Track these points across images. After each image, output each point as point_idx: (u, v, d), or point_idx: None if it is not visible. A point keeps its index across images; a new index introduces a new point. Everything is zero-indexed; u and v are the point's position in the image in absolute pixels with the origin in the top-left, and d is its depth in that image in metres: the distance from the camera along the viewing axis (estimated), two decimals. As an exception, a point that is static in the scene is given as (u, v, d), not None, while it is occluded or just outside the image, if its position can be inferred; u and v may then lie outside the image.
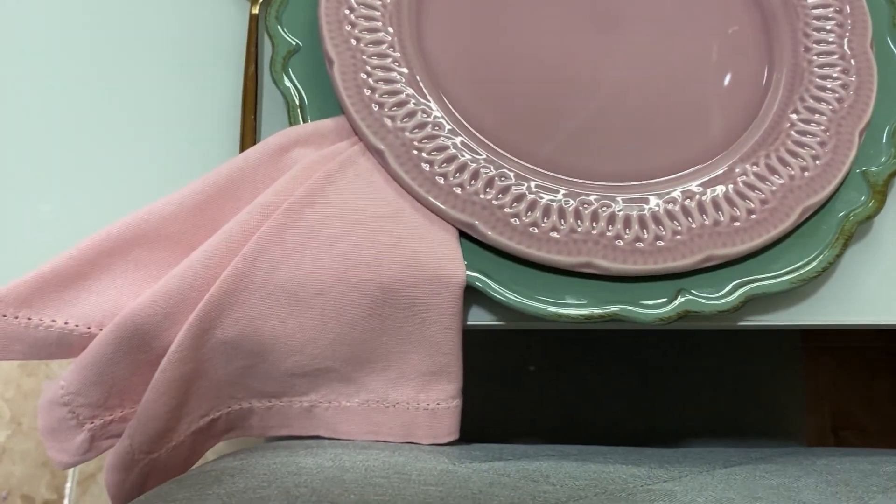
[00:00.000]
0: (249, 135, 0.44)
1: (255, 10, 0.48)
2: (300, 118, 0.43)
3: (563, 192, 0.42)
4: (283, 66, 0.43)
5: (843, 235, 0.42)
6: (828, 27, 0.47)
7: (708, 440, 0.73)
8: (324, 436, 0.44)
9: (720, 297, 0.40)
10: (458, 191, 0.41)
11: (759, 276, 0.41)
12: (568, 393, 0.77)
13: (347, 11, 0.44)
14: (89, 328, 0.39)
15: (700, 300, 0.40)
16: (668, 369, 0.78)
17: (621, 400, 0.76)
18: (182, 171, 0.44)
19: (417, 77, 0.44)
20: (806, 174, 0.43)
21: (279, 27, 0.44)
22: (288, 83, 0.43)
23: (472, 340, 0.77)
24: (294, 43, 0.44)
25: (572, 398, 0.77)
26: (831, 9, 0.47)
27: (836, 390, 1.26)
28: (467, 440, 0.50)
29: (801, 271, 0.41)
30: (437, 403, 0.43)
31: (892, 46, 0.48)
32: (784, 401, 0.76)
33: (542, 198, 0.41)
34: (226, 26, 0.48)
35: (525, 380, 0.76)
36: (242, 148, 0.44)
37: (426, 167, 0.41)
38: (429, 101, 0.43)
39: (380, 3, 0.45)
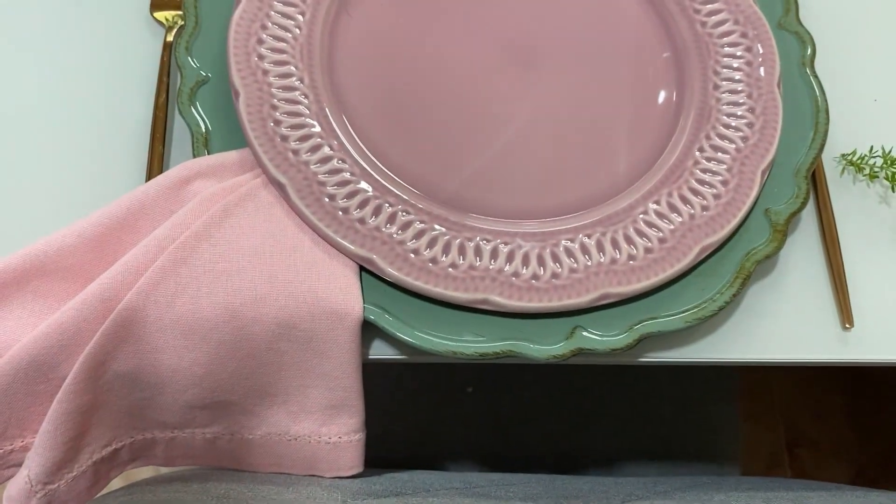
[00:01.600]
0: (157, 164, 0.44)
1: (170, 38, 0.48)
2: (204, 149, 0.43)
3: (464, 227, 0.42)
4: (189, 97, 0.43)
5: (741, 275, 0.42)
6: (736, 65, 0.48)
7: (641, 463, 0.74)
8: (228, 467, 0.44)
9: (614, 335, 0.40)
10: (359, 225, 0.41)
11: (655, 315, 0.41)
12: (505, 415, 0.77)
13: (256, 43, 0.44)
14: (-16, 359, 0.39)
15: (594, 338, 0.40)
16: (605, 391, 0.78)
17: (559, 422, 0.77)
18: (88, 200, 0.44)
19: (326, 110, 0.44)
20: (706, 213, 0.43)
21: (189, 58, 0.44)
22: (194, 114, 0.43)
23: (406, 363, 0.77)
24: (203, 74, 0.44)
25: (510, 420, 0.77)
26: (741, 47, 0.48)
27: (790, 407, 1.27)
28: (399, 464, 0.50)
29: (698, 310, 0.41)
30: (339, 437, 0.43)
31: (801, 85, 0.48)
32: (718, 422, 0.76)
33: (442, 234, 0.42)
34: (141, 53, 0.48)
35: (463, 401, 0.76)
36: (149, 177, 0.44)
37: (327, 201, 0.41)
38: (335, 134, 0.43)
39: (290, 35, 0.45)
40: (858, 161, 0.48)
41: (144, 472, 0.87)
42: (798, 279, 0.46)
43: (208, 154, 0.43)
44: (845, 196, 0.49)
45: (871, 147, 0.49)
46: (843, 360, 0.44)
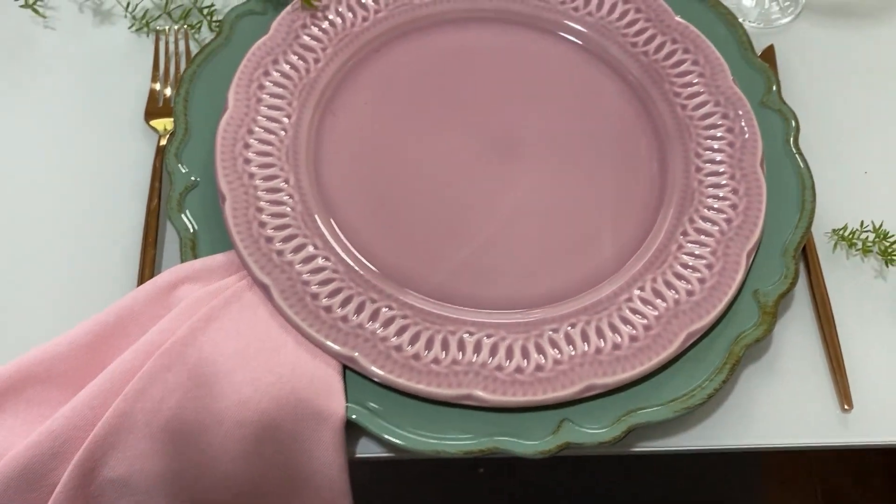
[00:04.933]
0: (149, 269, 0.45)
1: (164, 142, 0.49)
2: (191, 253, 0.44)
3: (447, 320, 0.42)
4: (178, 203, 0.45)
5: (730, 360, 0.42)
6: (717, 146, 0.48)
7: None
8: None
9: (602, 427, 0.40)
10: (341, 324, 0.41)
11: (642, 405, 0.41)
12: (519, 496, 0.75)
13: (243, 147, 0.45)
14: (-22, 469, 0.39)
15: (581, 431, 0.40)
16: (621, 465, 0.76)
17: (575, 501, 0.75)
18: (82, 305, 0.45)
19: (311, 209, 0.45)
20: (691, 298, 0.43)
21: (178, 164, 0.46)
22: (183, 219, 0.44)
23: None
24: (193, 178, 0.46)
25: (524, 501, 0.76)
26: (722, 128, 0.48)
27: (827, 469, 1.23)
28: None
29: (686, 399, 0.41)
30: (331, 539, 0.42)
31: (787, 163, 0.48)
32: (740, 493, 0.75)
33: (425, 328, 0.42)
34: (136, 160, 0.50)
35: (475, 483, 0.75)
36: (140, 282, 0.45)
37: (310, 300, 0.42)
38: (320, 232, 0.44)
39: (276, 137, 0.46)
40: (850, 236, 0.48)
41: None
42: (793, 360, 0.45)
43: (195, 257, 0.44)
44: (839, 272, 0.48)
45: (862, 221, 0.48)
46: (844, 444, 0.43)
